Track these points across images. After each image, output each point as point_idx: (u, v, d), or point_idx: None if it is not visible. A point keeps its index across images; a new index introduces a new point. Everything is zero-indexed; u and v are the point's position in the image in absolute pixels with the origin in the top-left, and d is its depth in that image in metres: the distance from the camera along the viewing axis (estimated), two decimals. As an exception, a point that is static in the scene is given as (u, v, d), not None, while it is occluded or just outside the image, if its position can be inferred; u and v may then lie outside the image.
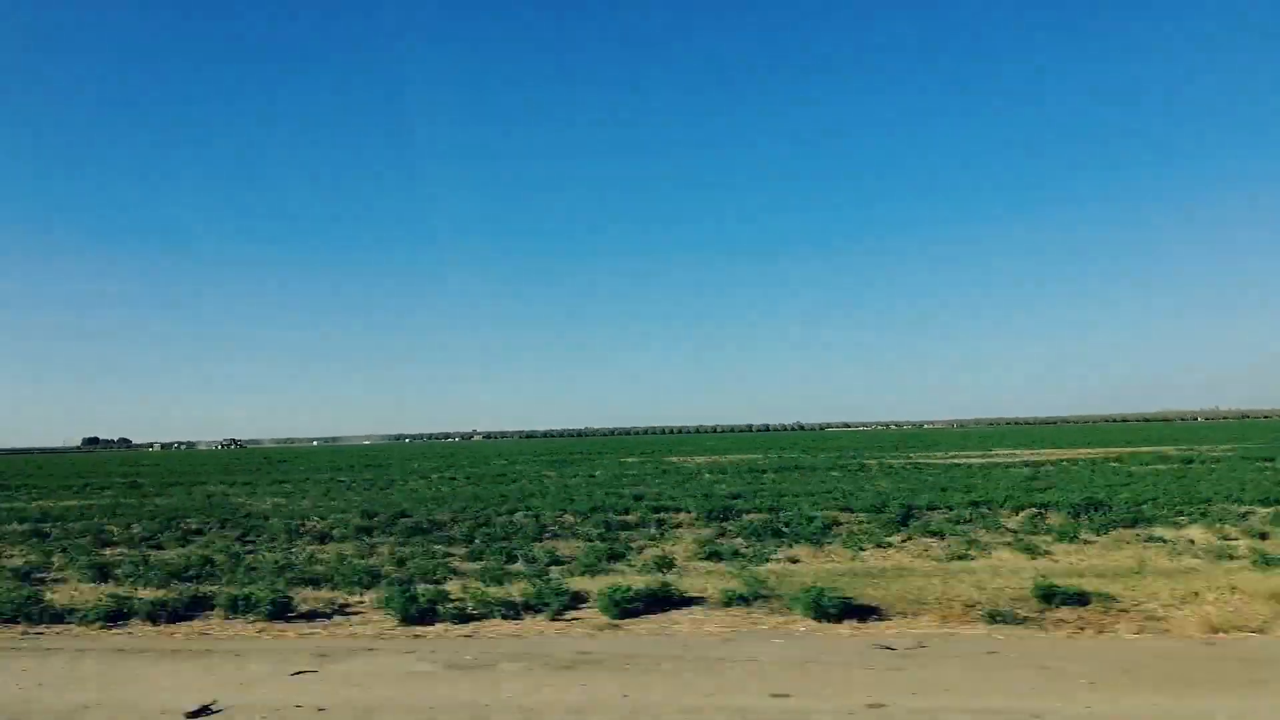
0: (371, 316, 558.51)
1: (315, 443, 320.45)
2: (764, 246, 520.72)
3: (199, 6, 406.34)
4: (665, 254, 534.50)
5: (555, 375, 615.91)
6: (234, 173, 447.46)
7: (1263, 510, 21.01)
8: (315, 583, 13.93)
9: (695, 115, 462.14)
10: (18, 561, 17.58)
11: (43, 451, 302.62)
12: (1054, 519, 20.43)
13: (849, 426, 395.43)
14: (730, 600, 12.06)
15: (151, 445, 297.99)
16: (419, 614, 11.76)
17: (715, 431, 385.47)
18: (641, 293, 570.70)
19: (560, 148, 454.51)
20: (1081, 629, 10.79)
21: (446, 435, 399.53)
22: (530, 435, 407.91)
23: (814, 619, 11.20)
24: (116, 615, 12.25)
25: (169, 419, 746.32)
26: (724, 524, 20.63)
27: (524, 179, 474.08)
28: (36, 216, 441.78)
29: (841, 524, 20.14)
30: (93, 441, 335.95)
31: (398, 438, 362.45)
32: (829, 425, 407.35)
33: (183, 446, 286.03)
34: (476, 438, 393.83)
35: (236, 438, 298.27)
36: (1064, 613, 11.21)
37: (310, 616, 12.21)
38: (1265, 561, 13.90)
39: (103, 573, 15.49)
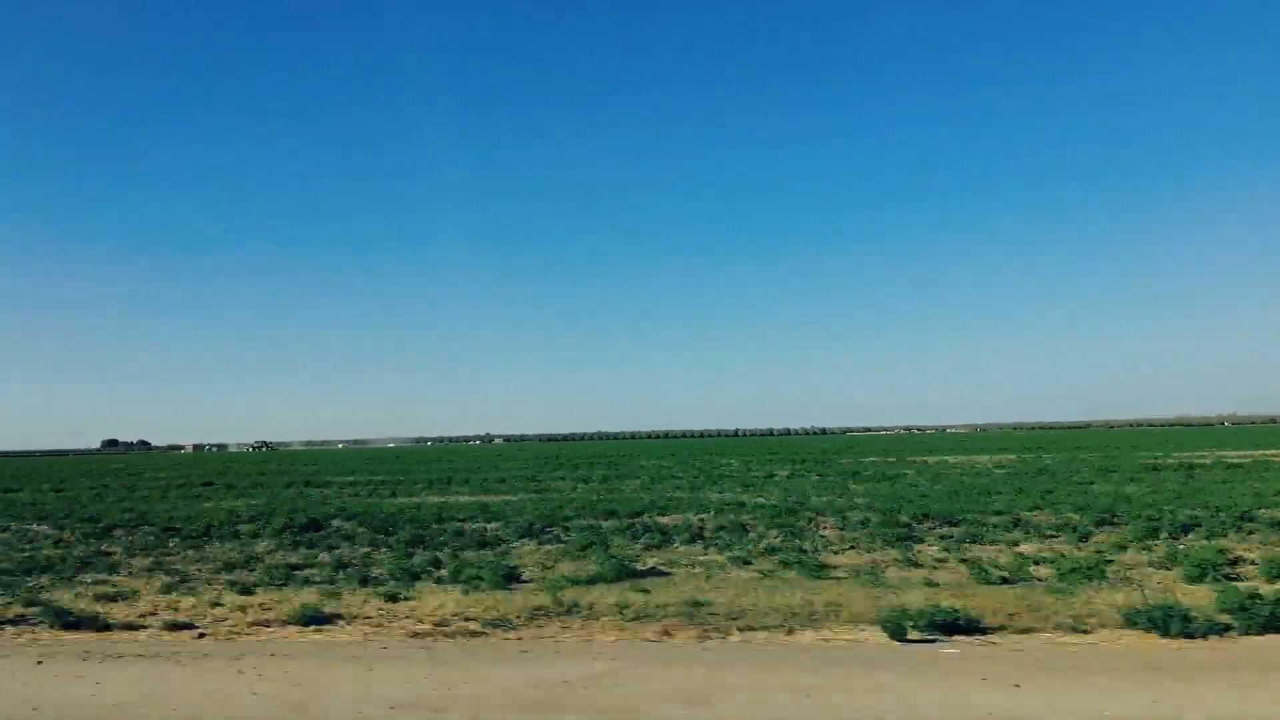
0: (388, 320, 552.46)
1: (340, 445, 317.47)
2: (776, 248, 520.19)
3: (200, 12, 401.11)
4: (672, 257, 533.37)
5: (563, 380, 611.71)
6: (251, 177, 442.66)
7: None
8: None
9: (718, 116, 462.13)
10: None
11: (65, 454, 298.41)
12: None
13: (869, 430, 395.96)
14: None
15: (182, 447, 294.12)
16: None
17: (737, 435, 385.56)
18: (654, 296, 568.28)
19: (574, 151, 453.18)
20: None
21: (465, 439, 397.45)
22: (550, 439, 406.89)
23: None
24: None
25: (179, 421, 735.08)
26: None
27: (540, 182, 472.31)
28: (50, 218, 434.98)
29: None
30: (112, 444, 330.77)
31: (419, 440, 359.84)
32: (850, 429, 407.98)
33: (214, 449, 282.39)
34: (497, 441, 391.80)
35: (267, 440, 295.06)
36: None
37: None
38: None
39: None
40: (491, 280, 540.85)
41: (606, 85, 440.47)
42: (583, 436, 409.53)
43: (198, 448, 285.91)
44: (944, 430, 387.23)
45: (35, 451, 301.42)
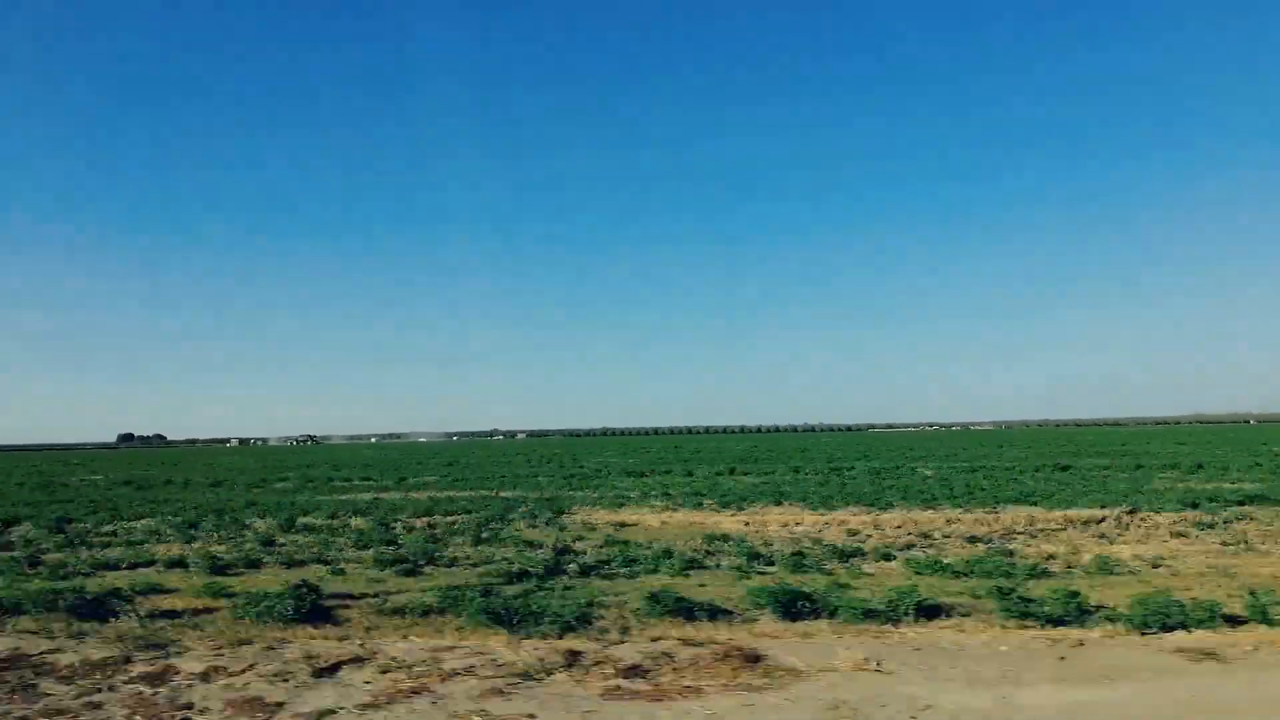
0: (400, 322, 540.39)
1: (373, 439, 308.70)
2: (801, 245, 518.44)
3: (201, 13, 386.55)
4: (680, 254, 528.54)
5: (558, 380, 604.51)
6: (276, 178, 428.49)
7: None
8: None
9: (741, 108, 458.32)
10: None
11: (80, 447, 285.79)
12: None
13: (893, 427, 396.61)
14: None
15: (228, 440, 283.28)
16: None
17: (760, 432, 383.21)
18: (669, 292, 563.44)
19: (595, 143, 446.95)
20: None
21: (490, 434, 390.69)
22: (574, 434, 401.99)
23: None
24: None
25: (194, 416, 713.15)
26: None
27: (559, 178, 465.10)
28: (77, 215, 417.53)
29: None
30: (128, 438, 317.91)
31: (448, 435, 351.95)
32: (873, 426, 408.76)
33: (259, 443, 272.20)
34: (520, 436, 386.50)
35: (312, 434, 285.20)
36: None
37: None
38: None
39: None
40: (503, 281, 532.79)
41: (620, 88, 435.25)
42: (589, 433, 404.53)
43: (243, 441, 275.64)
44: (967, 427, 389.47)
45: (54, 445, 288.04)
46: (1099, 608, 10.65)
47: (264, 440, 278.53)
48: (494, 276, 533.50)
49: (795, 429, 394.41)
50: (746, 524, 21.59)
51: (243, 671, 8.67)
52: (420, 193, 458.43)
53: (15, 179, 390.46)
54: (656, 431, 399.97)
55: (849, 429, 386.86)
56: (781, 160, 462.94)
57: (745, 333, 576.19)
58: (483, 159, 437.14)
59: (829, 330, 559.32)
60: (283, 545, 18.35)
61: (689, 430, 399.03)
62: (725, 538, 18.53)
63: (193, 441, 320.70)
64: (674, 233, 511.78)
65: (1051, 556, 15.84)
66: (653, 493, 31.20)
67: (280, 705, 7.64)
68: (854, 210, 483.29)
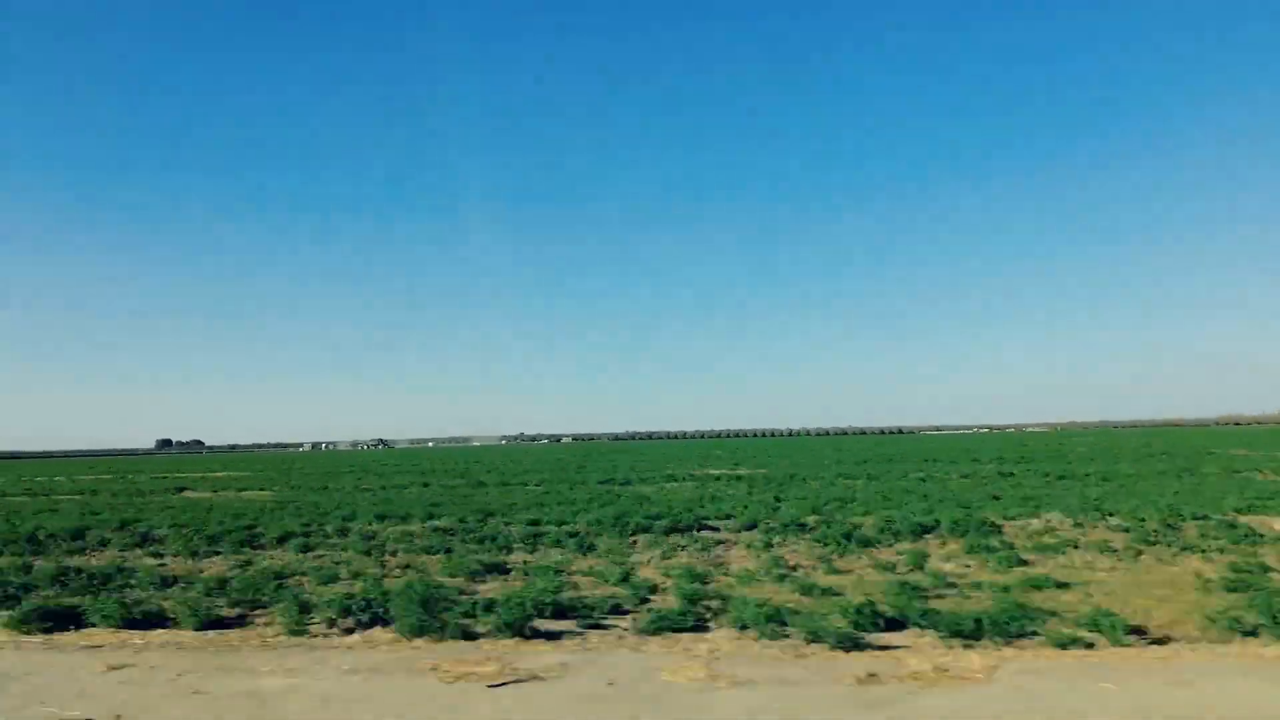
0: (466, 323, 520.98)
1: (431, 443, 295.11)
2: (819, 245, 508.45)
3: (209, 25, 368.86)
4: (712, 264, 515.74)
5: (607, 379, 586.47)
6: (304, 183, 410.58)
7: None
8: None
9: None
10: None
11: (120, 453, 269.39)
12: None
13: (940, 430, 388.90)
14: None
15: (300, 445, 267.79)
16: None
17: (809, 435, 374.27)
18: (698, 293, 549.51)
19: (627, 147, 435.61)
20: None
21: (534, 438, 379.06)
22: (619, 438, 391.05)
23: None
24: None
25: (227, 421, 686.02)
26: None
27: (575, 172, 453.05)
28: (110, 214, 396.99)
29: None
30: (166, 443, 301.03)
31: (504, 439, 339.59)
32: (924, 429, 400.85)
33: (329, 446, 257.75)
34: (565, 440, 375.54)
35: (384, 438, 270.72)
36: None
37: None
38: None
39: None
40: (522, 284, 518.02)
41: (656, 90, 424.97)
42: (634, 436, 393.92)
43: (315, 446, 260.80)
44: (1022, 429, 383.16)
45: (91, 451, 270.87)
46: None
47: (333, 444, 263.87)
48: (542, 281, 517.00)
49: (827, 432, 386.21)
50: None
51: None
52: (440, 195, 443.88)
53: (44, 181, 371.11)
54: (703, 435, 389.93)
55: (900, 431, 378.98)
56: (812, 160, 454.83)
57: (761, 335, 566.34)
58: (501, 159, 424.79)
59: (859, 330, 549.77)
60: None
61: (735, 434, 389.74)
62: None
63: (233, 447, 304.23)
64: (709, 239, 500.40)
65: None
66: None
67: None
68: (870, 209, 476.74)
